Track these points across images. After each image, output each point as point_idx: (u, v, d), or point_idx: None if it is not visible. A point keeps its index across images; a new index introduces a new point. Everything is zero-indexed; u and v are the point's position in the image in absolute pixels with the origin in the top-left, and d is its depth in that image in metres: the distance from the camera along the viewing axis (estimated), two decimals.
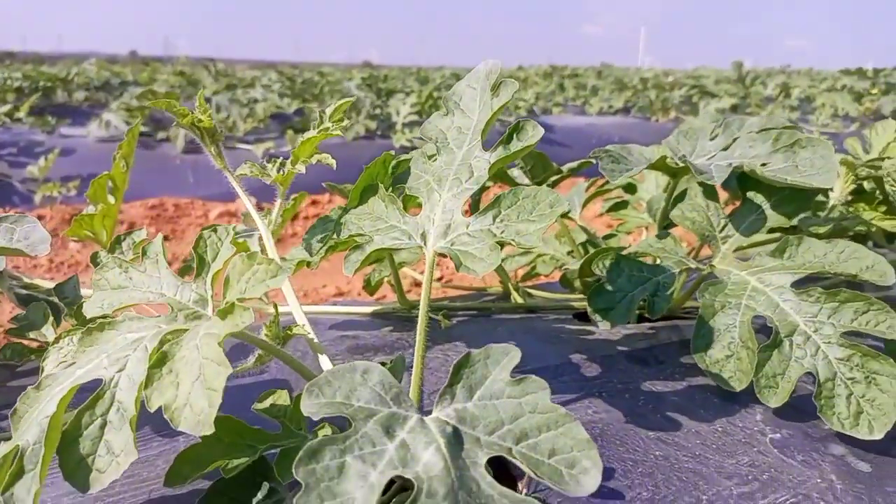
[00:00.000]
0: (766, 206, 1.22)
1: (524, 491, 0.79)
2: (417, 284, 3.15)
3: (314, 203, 5.00)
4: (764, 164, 1.17)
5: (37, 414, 0.65)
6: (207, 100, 7.46)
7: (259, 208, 1.10)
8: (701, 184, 1.28)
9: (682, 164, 1.23)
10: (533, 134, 0.93)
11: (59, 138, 5.86)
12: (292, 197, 1.43)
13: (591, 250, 1.65)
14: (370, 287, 1.54)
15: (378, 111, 6.75)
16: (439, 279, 3.43)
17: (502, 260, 1.73)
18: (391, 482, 0.58)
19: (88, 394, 0.69)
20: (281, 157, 1.13)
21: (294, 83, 9.64)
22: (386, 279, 1.54)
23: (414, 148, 5.99)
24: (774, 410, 1.00)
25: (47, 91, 8.53)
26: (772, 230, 1.24)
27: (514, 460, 0.58)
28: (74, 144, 5.64)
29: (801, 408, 1.00)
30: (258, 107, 6.83)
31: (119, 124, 5.88)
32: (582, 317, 1.43)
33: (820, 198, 1.43)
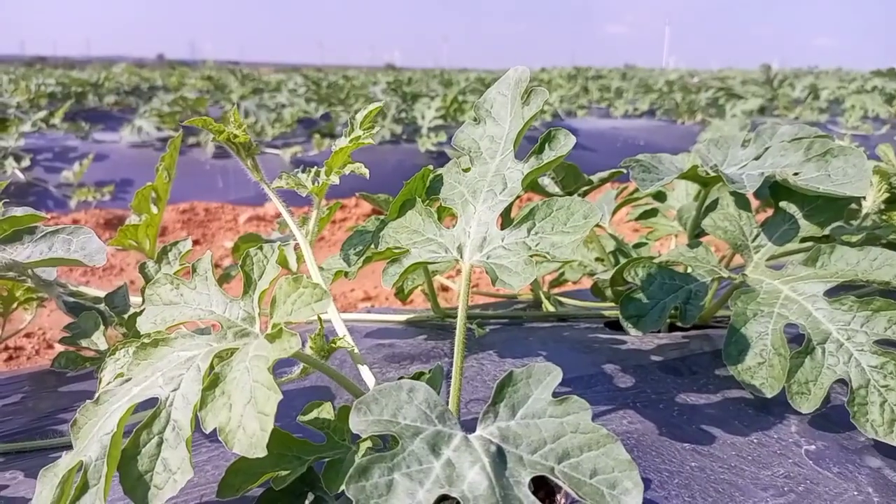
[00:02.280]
0: (798, 215, 1.22)
1: (563, 502, 0.81)
2: (445, 289, 3.17)
3: (342, 207, 5.06)
4: (796, 174, 1.18)
5: (97, 430, 0.68)
6: (235, 105, 7.56)
7: (290, 214, 1.13)
8: (733, 193, 1.28)
9: (713, 174, 1.23)
10: (565, 143, 0.94)
11: (93, 143, 5.97)
12: (326, 207, 1.46)
13: (621, 258, 1.66)
14: (402, 295, 1.57)
15: (403, 115, 6.78)
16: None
17: None
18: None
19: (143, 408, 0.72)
20: (315, 167, 1.16)
21: (319, 87, 9.72)
22: (420, 287, 1.56)
23: (440, 153, 6.02)
24: (809, 422, 1.00)
25: (79, 96, 8.71)
26: (804, 239, 1.24)
27: (555, 479, 0.59)
28: (107, 150, 5.75)
29: (836, 419, 1.00)
30: (286, 112, 6.91)
31: (151, 130, 5.98)
32: (613, 325, 1.44)
33: (852, 206, 1.43)
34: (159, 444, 0.67)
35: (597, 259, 1.74)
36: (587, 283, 1.86)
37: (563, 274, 1.83)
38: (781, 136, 1.29)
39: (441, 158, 5.88)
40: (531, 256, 0.84)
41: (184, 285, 0.83)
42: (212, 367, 0.70)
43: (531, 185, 1.60)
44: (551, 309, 1.53)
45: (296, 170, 1.15)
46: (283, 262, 1.40)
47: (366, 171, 1.05)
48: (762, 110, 7.87)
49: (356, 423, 0.61)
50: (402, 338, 1.36)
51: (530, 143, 0.96)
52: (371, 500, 0.55)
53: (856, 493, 0.84)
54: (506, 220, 1.33)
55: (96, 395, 0.73)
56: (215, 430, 0.65)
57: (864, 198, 1.43)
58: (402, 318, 1.48)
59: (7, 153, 5.15)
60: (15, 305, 1.55)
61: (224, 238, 4.47)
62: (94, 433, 0.68)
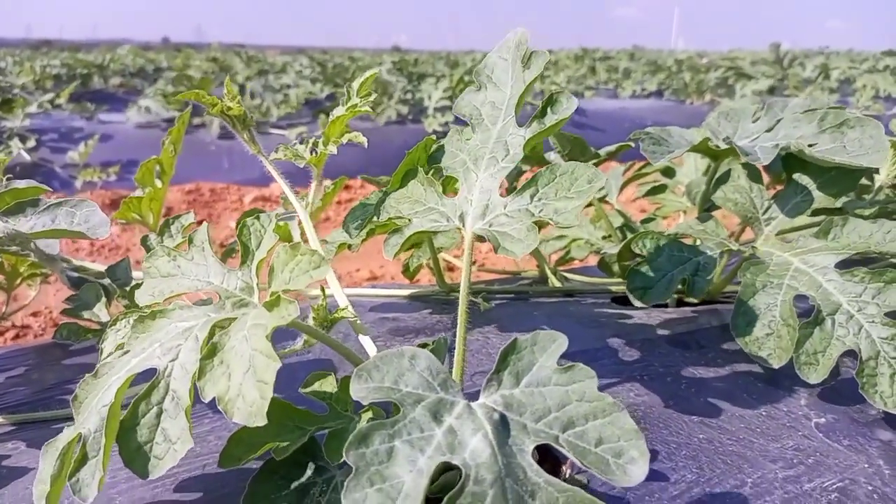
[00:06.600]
0: (811, 187, 1.20)
1: (568, 472, 0.80)
2: (451, 269, 3.16)
3: (346, 188, 5.04)
4: (811, 145, 1.15)
5: (95, 402, 0.67)
6: (241, 86, 7.53)
7: (294, 193, 1.11)
8: (745, 165, 1.26)
9: (725, 146, 1.21)
10: (567, 106, 0.92)
11: (99, 124, 5.96)
12: (332, 182, 1.44)
13: (629, 234, 1.64)
14: (409, 273, 1.55)
15: (409, 96, 6.73)
16: (473, 262, 3.44)
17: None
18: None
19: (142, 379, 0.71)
20: (313, 138, 1.14)
21: (325, 68, 9.67)
22: (425, 263, 1.54)
23: (446, 133, 5.99)
24: (819, 395, 0.99)
25: (84, 78, 8.69)
26: (816, 212, 1.21)
27: (560, 448, 0.58)
28: (113, 130, 5.73)
29: (847, 392, 0.99)
30: (291, 93, 6.87)
31: (157, 110, 5.96)
32: (620, 301, 1.42)
33: (864, 182, 1.40)
34: (158, 415, 0.66)
35: (604, 237, 1.72)
36: (593, 261, 1.84)
37: (569, 252, 1.81)
38: (793, 109, 1.26)
39: None
40: (534, 223, 0.83)
41: (181, 257, 0.81)
42: (210, 337, 0.69)
43: (537, 159, 1.57)
44: (557, 284, 1.52)
45: (293, 141, 1.13)
46: (286, 238, 1.38)
47: (363, 140, 1.03)
48: (772, 90, 7.78)
49: (357, 390, 0.60)
50: (406, 312, 1.35)
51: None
52: (371, 467, 0.53)
53: (866, 465, 0.83)
54: (510, 193, 1.31)
55: (95, 368, 0.72)
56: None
57: (878, 171, 1.40)
58: (406, 292, 1.46)
59: (13, 133, 5.15)
60: (19, 281, 1.55)
61: (230, 218, 4.46)
62: (92, 405, 0.67)
